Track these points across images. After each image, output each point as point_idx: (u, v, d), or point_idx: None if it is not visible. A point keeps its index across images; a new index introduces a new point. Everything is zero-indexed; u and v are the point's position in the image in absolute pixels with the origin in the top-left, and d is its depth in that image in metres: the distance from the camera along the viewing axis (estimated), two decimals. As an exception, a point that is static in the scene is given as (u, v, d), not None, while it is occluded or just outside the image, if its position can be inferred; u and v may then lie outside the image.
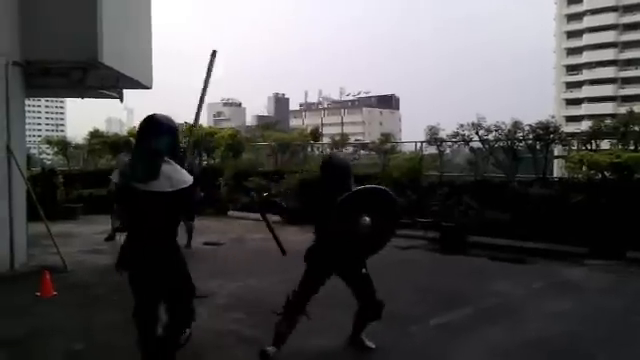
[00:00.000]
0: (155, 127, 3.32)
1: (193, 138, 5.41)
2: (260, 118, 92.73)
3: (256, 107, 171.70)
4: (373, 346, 4.61)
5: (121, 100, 10.40)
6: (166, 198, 3.25)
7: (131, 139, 11.50)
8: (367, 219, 4.17)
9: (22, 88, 7.69)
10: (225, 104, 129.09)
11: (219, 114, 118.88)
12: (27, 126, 8.62)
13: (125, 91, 10.25)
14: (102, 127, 19.30)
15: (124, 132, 18.64)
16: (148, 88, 10.17)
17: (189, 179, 3.30)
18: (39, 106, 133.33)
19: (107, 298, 6.12)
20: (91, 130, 16.91)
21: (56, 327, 3.62)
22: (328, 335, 4.95)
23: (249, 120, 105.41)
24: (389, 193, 4.38)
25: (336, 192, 4.19)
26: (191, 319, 3.59)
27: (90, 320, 5.31)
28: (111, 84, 9.36)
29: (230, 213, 14.20)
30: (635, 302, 6.53)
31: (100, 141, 16.30)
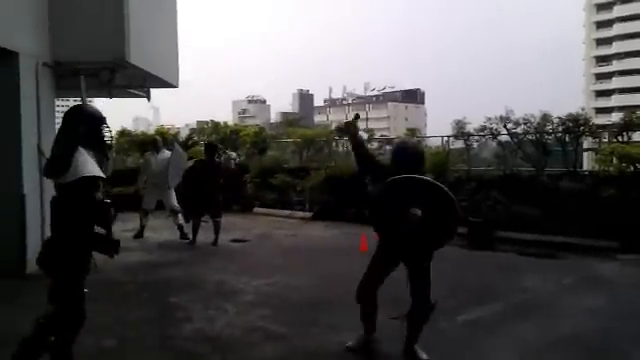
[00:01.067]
0: (79, 117, 3.40)
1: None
2: (285, 115, 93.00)
3: (281, 104, 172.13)
4: (426, 357, 4.30)
5: (148, 99, 10.52)
6: (62, 189, 3.26)
7: (158, 138, 11.64)
8: (418, 212, 3.96)
9: (52, 89, 7.83)
10: (250, 101, 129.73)
11: (244, 111, 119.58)
12: (57, 126, 8.77)
13: (152, 90, 10.36)
14: (129, 126, 19.54)
15: (151, 131, 18.88)
16: (175, 87, 10.27)
17: (80, 173, 3.20)
18: (68, 106, 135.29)
19: (137, 295, 6.21)
20: (119, 129, 17.15)
21: (86, 324, 3.67)
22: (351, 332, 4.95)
23: (274, 117, 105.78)
24: (443, 189, 4.12)
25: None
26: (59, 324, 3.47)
27: (120, 317, 5.39)
28: (139, 83, 9.48)
29: (256, 210, 14.28)
30: (671, 298, 6.37)
31: (128, 140, 16.52)
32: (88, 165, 3.25)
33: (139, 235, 9.84)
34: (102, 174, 3.36)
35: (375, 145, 16.03)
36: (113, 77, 8.29)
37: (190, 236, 9.48)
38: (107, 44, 7.49)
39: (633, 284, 6.99)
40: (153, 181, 9.83)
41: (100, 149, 3.45)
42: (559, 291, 6.56)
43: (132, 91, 9.95)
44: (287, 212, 13.53)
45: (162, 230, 10.35)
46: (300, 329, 5.03)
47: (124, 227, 10.85)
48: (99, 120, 3.48)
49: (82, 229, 3.37)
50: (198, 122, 19.81)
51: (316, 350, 4.56)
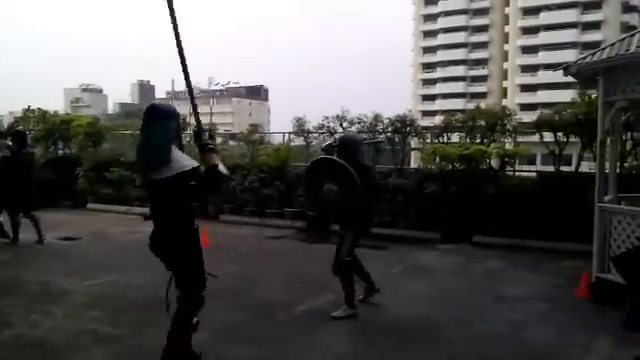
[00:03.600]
0: (168, 114, 3.63)
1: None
2: (124, 105, 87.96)
3: (120, 95, 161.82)
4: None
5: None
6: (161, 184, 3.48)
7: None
8: (333, 187, 5.07)
9: None
10: (84, 90, 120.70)
11: (77, 100, 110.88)
12: None
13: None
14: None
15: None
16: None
17: (188, 164, 3.49)
18: None
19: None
20: None
21: None
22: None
23: (112, 107, 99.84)
24: (337, 161, 5.19)
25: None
26: (192, 306, 3.77)
27: None
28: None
29: (90, 206, 13.44)
30: (482, 282, 7.16)
31: None
32: (184, 159, 3.54)
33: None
34: (194, 163, 3.56)
35: (219, 140, 15.88)
36: None
37: (11, 235, 8.66)
38: None
39: (451, 271, 7.77)
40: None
41: (180, 142, 3.71)
42: (387, 280, 7.02)
43: None
44: (124, 208, 12.93)
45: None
46: (135, 329, 4.86)
47: None
48: (178, 115, 3.76)
49: (186, 215, 3.69)
50: (24, 110, 17.96)
51: (152, 350, 4.42)
